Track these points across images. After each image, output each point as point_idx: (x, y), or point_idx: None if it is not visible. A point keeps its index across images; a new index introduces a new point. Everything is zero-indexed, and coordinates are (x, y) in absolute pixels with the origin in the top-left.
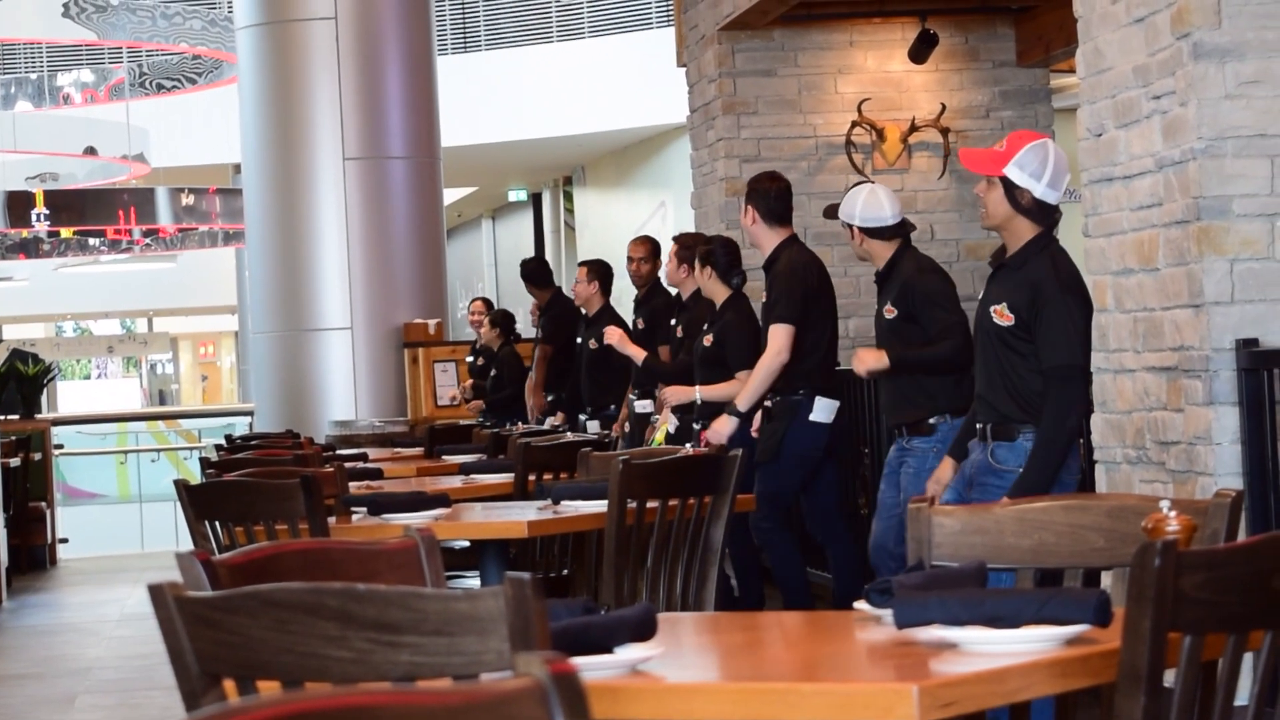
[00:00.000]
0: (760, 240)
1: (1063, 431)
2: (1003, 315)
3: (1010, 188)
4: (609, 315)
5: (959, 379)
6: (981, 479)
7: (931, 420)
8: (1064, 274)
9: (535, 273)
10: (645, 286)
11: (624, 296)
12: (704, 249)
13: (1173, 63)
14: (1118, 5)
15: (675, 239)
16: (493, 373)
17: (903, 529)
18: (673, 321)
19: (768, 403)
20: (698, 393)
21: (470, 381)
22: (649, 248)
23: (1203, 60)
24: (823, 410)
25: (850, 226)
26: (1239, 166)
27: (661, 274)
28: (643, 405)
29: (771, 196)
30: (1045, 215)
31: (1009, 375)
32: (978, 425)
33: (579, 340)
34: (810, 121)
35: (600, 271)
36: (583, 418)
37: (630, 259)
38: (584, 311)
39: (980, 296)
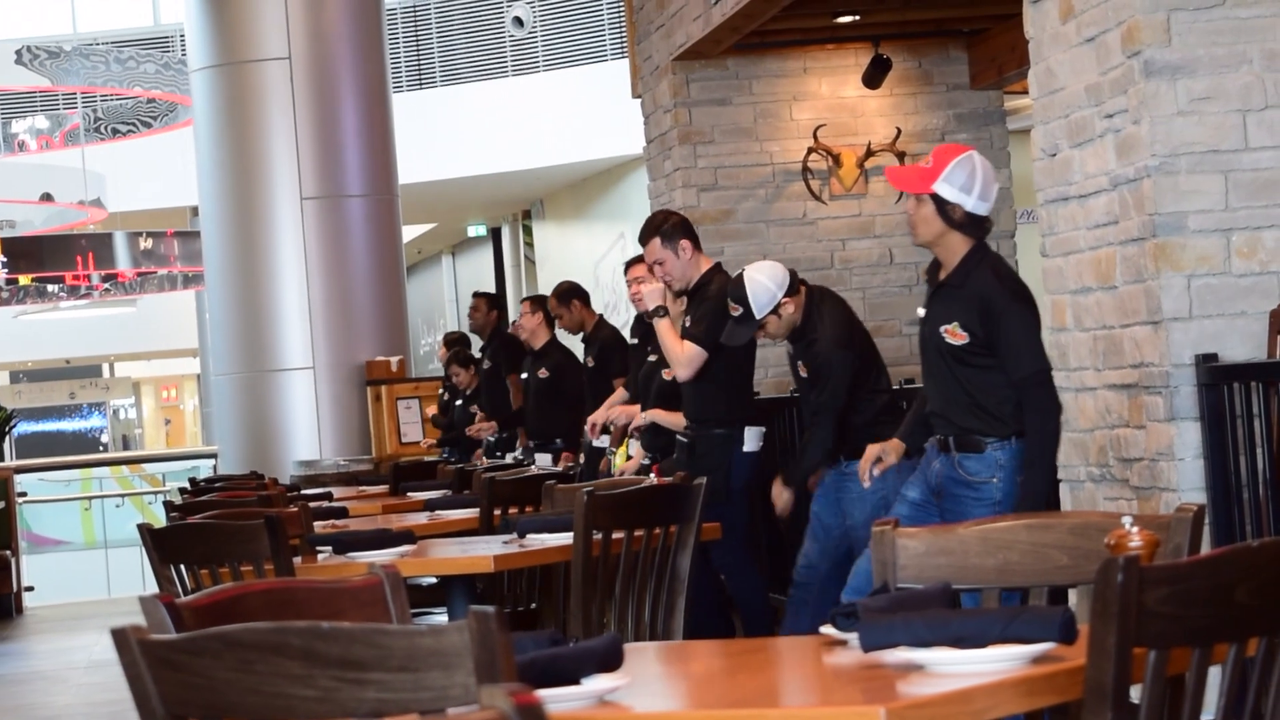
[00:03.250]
0: (692, 271)
1: (1051, 435)
2: (955, 335)
3: (941, 204)
4: (556, 348)
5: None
6: (953, 490)
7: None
8: (1009, 283)
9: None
10: (577, 330)
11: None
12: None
13: (1124, 81)
14: (1068, 25)
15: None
16: (459, 401)
17: (839, 552)
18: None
19: (682, 437)
20: (652, 416)
21: (433, 413)
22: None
23: (1154, 78)
24: (753, 439)
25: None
26: (1193, 183)
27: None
28: (599, 440)
29: (688, 227)
30: (978, 227)
31: (970, 392)
32: (937, 437)
33: (524, 374)
34: (766, 149)
35: (543, 304)
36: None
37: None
38: (531, 345)
39: (922, 316)
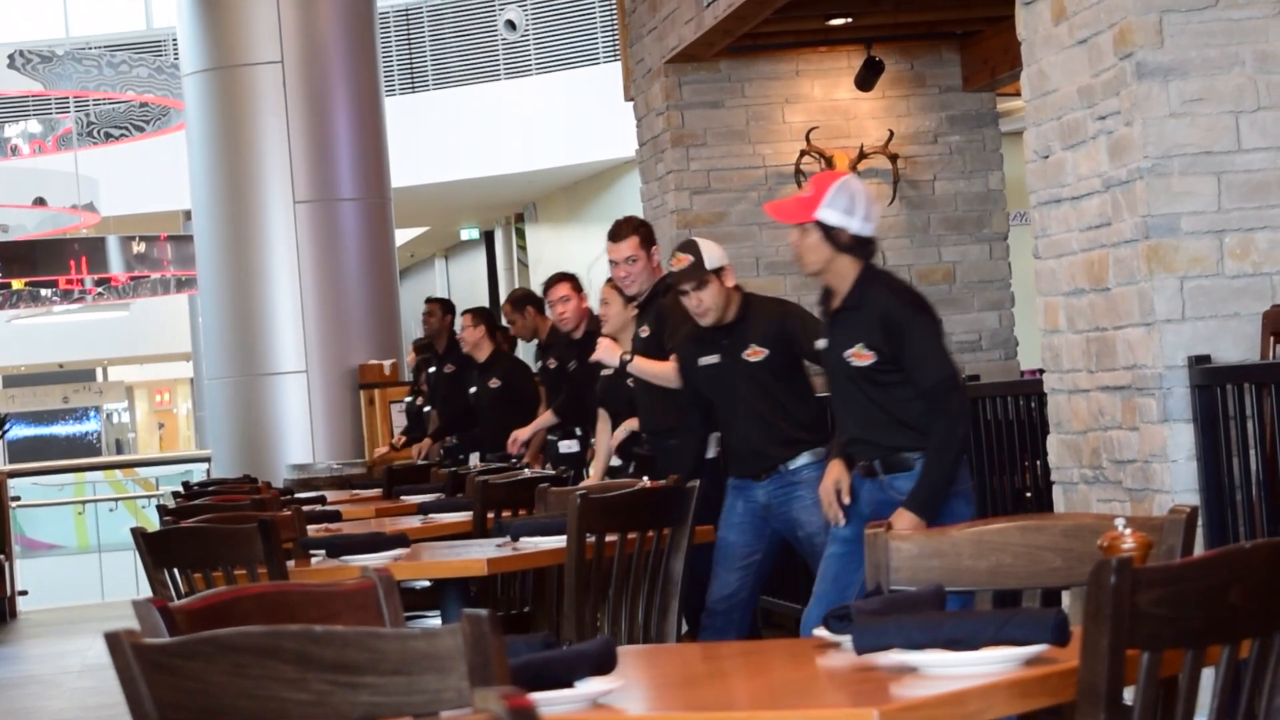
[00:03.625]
0: (652, 278)
1: (954, 442)
2: (861, 356)
3: (827, 230)
4: (504, 358)
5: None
6: (888, 514)
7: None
8: (905, 296)
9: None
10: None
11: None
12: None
13: (1117, 83)
14: (1061, 27)
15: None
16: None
17: (761, 571)
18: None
19: (640, 449)
20: (628, 359)
21: (402, 438)
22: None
23: (1146, 79)
24: (714, 445)
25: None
26: (1186, 184)
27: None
28: (567, 445)
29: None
30: (865, 249)
31: (888, 409)
32: (862, 463)
33: (473, 388)
34: (759, 152)
35: (486, 316)
36: (476, 459)
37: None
38: (475, 357)
39: (824, 346)
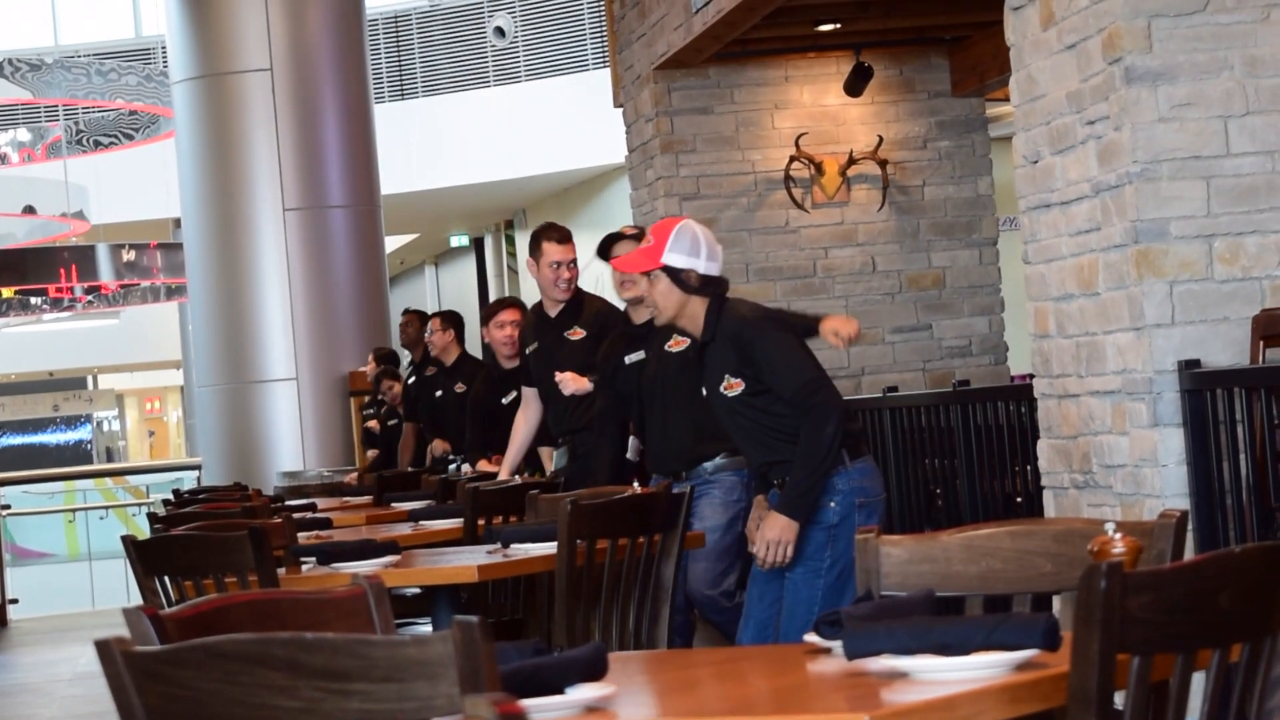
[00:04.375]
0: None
1: (820, 442)
2: (732, 385)
3: (675, 274)
4: (469, 363)
5: None
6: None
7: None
8: (744, 314)
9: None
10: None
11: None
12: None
13: (1105, 88)
14: (1049, 32)
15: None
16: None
17: (723, 563)
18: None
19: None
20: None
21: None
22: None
23: (1135, 84)
24: (633, 449)
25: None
26: (1175, 189)
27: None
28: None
29: None
30: (715, 287)
31: (777, 428)
32: (774, 481)
33: (439, 392)
34: (749, 158)
35: (454, 320)
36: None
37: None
38: (443, 361)
39: (705, 391)
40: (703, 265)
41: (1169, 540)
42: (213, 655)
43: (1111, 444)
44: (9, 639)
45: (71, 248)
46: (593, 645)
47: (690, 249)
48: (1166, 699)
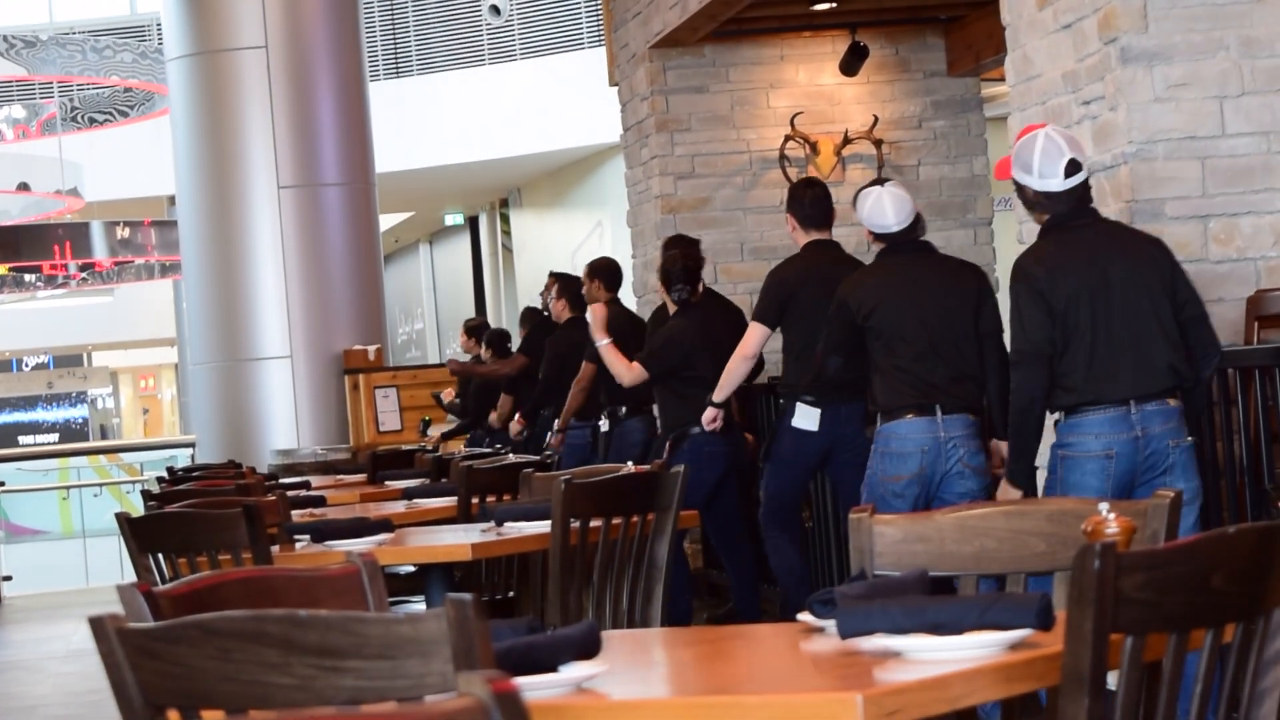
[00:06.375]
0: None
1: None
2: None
3: (1019, 188)
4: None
5: None
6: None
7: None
8: (1020, 260)
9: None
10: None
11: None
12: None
13: (1101, 68)
14: (1045, 12)
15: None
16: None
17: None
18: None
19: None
20: (603, 342)
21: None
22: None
23: (1131, 64)
24: (805, 417)
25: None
26: (1170, 169)
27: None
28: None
29: (806, 202)
30: (1057, 203)
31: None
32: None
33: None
34: (744, 137)
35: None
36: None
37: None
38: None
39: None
40: (1036, 183)
41: (1163, 520)
42: (206, 632)
43: None
44: (3, 616)
45: (66, 225)
46: (586, 623)
47: (1025, 163)
48: (1160, 679)
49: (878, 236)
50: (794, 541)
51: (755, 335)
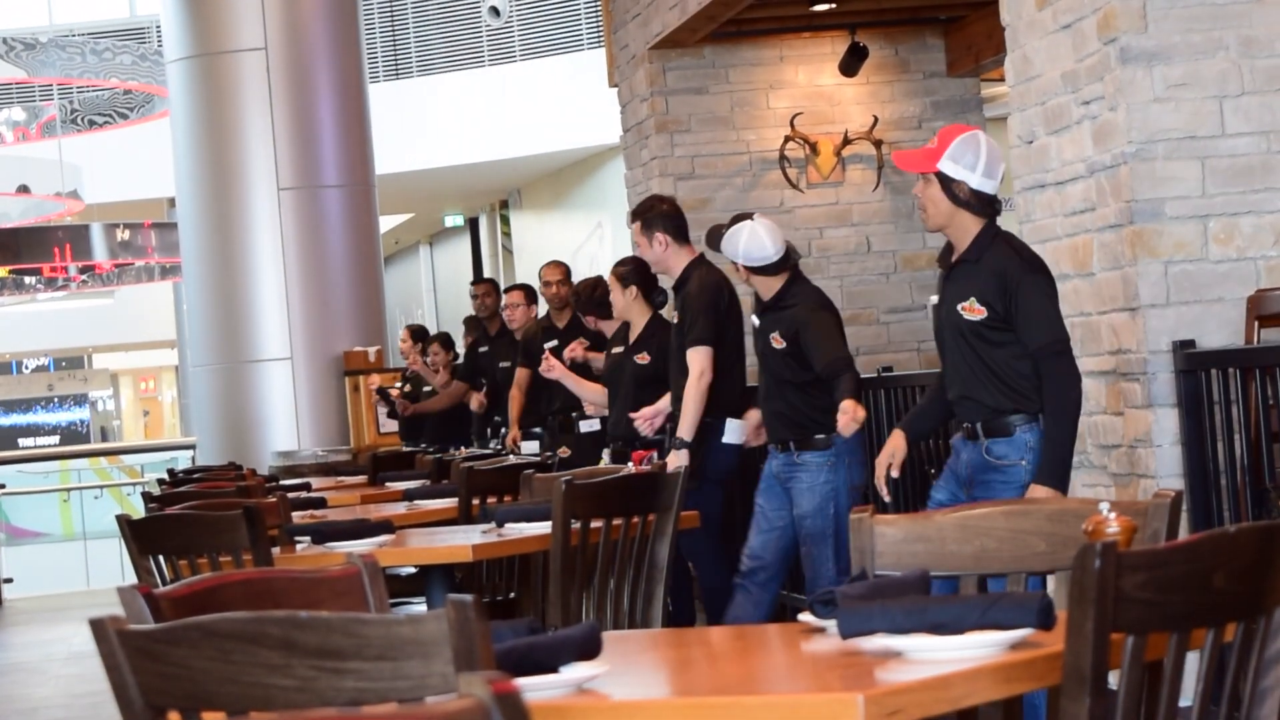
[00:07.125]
0: (671, 263)
1: (1069, 405)
2: (972, 310)
3: (946, 182)
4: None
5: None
6: (981, 477)
7: (820, 436)
8: (1025, 255)
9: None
10: (561, 308)
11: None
12: (623, 270)
13: (1101, 68)
14: (1045, 12)
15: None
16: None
17: (783, 544)
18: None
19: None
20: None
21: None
22: (563, 271)
23: (1130, 64)
24: (733, 432)
25: (734, 263)
26: (1170, 169)
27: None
28: (588, 425)
29: (673, 217)
30: (986, 206)
31: (993, 369)
32: (965, 425)
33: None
34: (744, 137)
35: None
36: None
37: (547, 283)
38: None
39: (937, 299)
40: (975, 180)
41: (1164, 520)
42: (207, 634)
43: (1106, 424)
44: (4, 618)
45: (66, 227)
46: (587, 624)
47: (969, 162)
48: (1161, 678)
49: (757, 270)
50: (725, 557)
51: (707, 359)
